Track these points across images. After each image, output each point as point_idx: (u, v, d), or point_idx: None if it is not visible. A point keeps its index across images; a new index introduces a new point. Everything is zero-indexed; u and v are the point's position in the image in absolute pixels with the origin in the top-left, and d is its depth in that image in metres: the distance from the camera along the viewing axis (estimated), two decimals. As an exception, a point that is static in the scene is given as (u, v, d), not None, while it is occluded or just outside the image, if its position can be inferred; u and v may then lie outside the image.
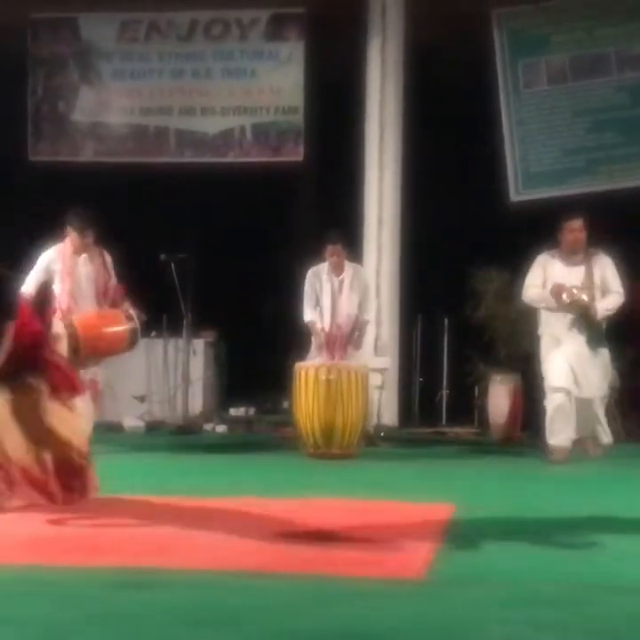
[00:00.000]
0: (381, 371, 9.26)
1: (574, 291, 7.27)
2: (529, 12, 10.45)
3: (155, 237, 10.19)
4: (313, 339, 8.29)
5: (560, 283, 7.32)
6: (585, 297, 7.27)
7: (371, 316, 8.69)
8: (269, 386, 10.16)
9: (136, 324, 7.42)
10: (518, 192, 10.35)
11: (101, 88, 11.04)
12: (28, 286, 7.51)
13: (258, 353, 10.45)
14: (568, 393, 7.28)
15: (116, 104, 11.04)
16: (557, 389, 7.29)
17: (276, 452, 8.09)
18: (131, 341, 7.48)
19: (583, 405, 7.36)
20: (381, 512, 4.95)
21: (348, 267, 8.39)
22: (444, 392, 10.57)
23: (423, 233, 10.48)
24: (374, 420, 9.02)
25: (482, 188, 10.30)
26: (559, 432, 7.27)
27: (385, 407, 9.70)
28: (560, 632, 2.77)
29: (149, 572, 3.47)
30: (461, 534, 4.28)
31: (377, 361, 9.05)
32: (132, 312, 7.46)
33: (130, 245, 9.15)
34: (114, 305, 7.66)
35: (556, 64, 10.40)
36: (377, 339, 9.67)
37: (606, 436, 7.50)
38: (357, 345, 8.35)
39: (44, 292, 6.79)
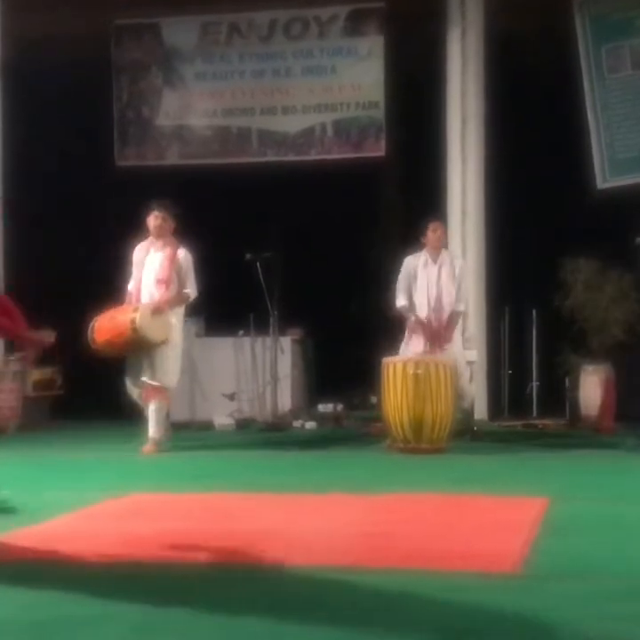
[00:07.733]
0: (469, 363, 9.18)
1: None
2: (611, -4, 10.25)
3: (240, 237, 10.26)
4: (407, 327, 8.19)
5: None
6: None
7: (464, 307, 8.43)
8: (357, 381, 10.15)
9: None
10: (605, 179, 10.16)
11: (184, 91, 11.19)
12: (131, 282, 7.88)
13: (345, 349, 10.45)
14: None
15: (199, 106, 11.18)
16: None
17: (366, 447, 8.09)
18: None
19: None
20: (475, 506, 4.93)
21: (444, 253, 8.31)
22: (534, 384, 10.44)
23: (508, 224, 10.35)
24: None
25: (568, 176, 10.12)
26: None
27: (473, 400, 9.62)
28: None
29: (243, 568, 3.51)
30: (556, 528, 4.24)
31: (464, 354, 8.96)
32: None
33: (216, 246, 9.28)
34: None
35: (641, 48, 10.18)
36: (464, 331, 9.59)
37: None
38: (448, 337, 8.22)
39: None
